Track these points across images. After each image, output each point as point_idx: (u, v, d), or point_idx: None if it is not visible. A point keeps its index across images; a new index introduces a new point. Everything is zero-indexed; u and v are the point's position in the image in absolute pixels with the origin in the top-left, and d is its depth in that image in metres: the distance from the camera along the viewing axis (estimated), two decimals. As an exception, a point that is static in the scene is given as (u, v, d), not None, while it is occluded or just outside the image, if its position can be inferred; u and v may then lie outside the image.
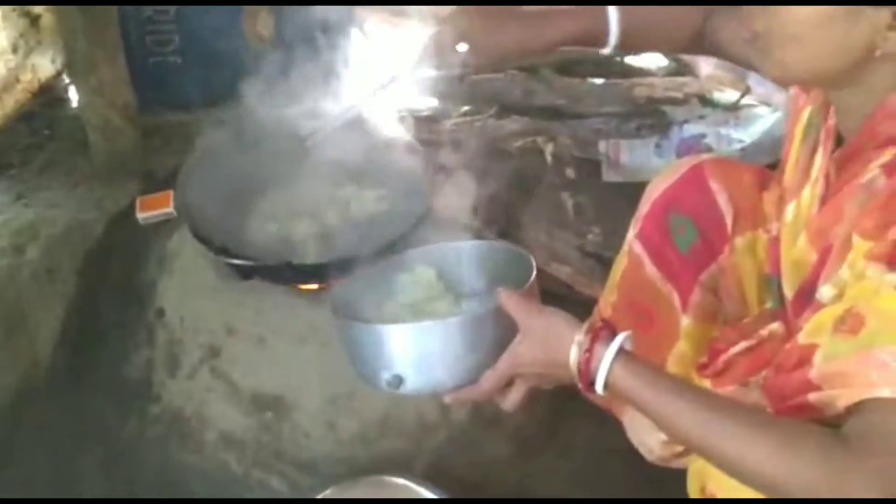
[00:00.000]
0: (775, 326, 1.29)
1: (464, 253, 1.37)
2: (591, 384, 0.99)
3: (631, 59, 2.25)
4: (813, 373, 0.90)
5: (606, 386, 0.98)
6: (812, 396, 0.91)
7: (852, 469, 0.83)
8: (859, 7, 0.91)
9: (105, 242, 1.91)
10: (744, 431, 0.89)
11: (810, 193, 1.11)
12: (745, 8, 1.02)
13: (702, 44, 1.34)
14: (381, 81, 1.49)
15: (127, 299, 1.81)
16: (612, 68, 2.24)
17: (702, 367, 1.38)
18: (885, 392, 0.83)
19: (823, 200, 1.08)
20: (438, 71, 1.34)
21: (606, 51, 1.32)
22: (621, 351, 0.98)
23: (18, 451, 1.64)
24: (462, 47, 1.30)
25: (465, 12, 1.30)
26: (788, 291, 1.18)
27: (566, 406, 1.66)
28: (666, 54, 2.20)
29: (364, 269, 1.35)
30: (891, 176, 0.92)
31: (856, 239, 0.91)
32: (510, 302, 1.07)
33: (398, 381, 1.11)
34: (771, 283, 1.31)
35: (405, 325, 1.16)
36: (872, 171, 0.94)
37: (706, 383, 1.34)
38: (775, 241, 1.25)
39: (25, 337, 1.74)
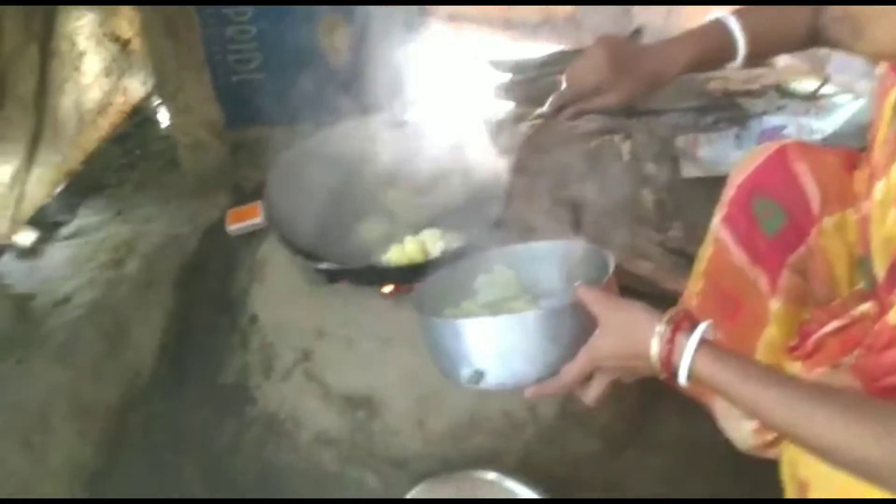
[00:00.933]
0: (867, 307, 1.26)
1: (541, 253, 1.38)
2: (674, 375, 0.99)
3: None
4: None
5: (689, 376, 0.97)
6: (893, 378, 0.90)
7: None
8: None
9: (199, 254, 1.98)
10: (836, 414, 0.87)
11: None
12: None
13: (818, 39, 1.31)
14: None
15: (221, 308, 1.88)
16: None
17: (792, 350, 1.36)
18: None
19: None
20: (574, 114, 1.35)
21: (736, 63, 1.31)
22: (703, 340, 0.98)
23: (121, 460, 1.70)
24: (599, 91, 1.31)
25: (593, 59, 1.30)
26: (880, 270, 1.15)
27: (653, 402, 1.65)
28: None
29: (444, 270, 1.37)
30: None
31: None
32: (588, 295, 1.08)
33: (478, 376, 1.12)
34: (862, 263, 1.28)
35: (484, 318, 1.17)
36: None
37: (796, 366, 1.32)
38: (865, 221, 1.23)
39: (127, 348, 1.80)
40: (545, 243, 1.40)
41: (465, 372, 1.13)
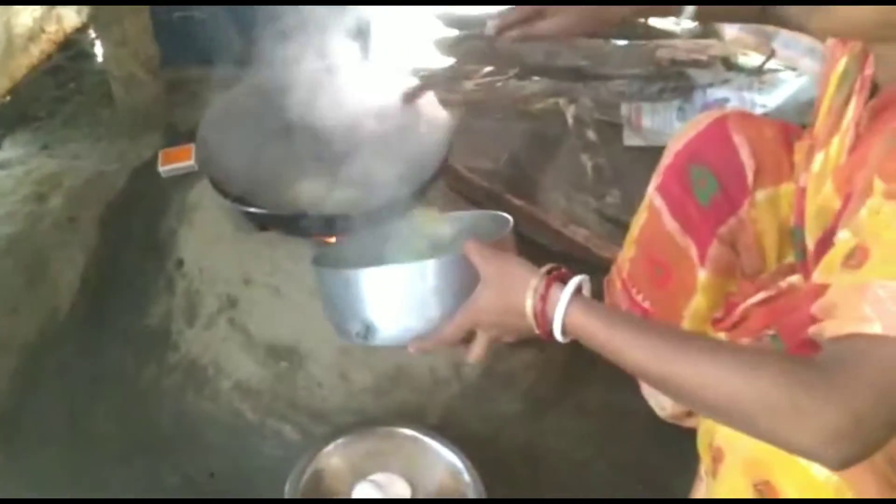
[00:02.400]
0: (795, 279, 1.28)
1: (454, 222, 1.38)
2: (549, 331, 0.98)
3: (655, 21, 2.23)
4: (815, 306, 0.86)
5: (564, 331, 0.97)
6: (810, 330, 0.87)
7: (817, 386, 0.78)
8: None
9: (127, 194, 1.93)
10: (701, 356, 0.85)
11: (839, 142, 1.09)
12: None
13: (768, 14, 1.31)
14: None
15: (147, 250, 1.83)
16: (636, 30, 2.22)
17: (717, 321, 1.38)
18: (875, 327, 0.77)
19: (853, 149, 1.05)
20: (517, 37, 1.32)
21: (683, 17, 1.29)
22: (577, 295, 0.97)
23: (36, 397, 1.64)
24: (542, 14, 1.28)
25: None
26: (811, 241, 1.16)
27: (580, 369, 1.66)
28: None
29: (354, 239, 1.39)
30: None
31: (877, 182, 0.87)
32: (472, 250, 1.06)
33: (366, 330, 1.12)
34: (795, 235, 1.28)
35: (372, 269, 1.15)
36: None
37: (721, 336, 1.33)
38: (802, 192, 1.22)
39: (46, 284, 1.75)
40: (458, 213, 1.42)
41: (355, 327, 1.14)
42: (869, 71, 1.06)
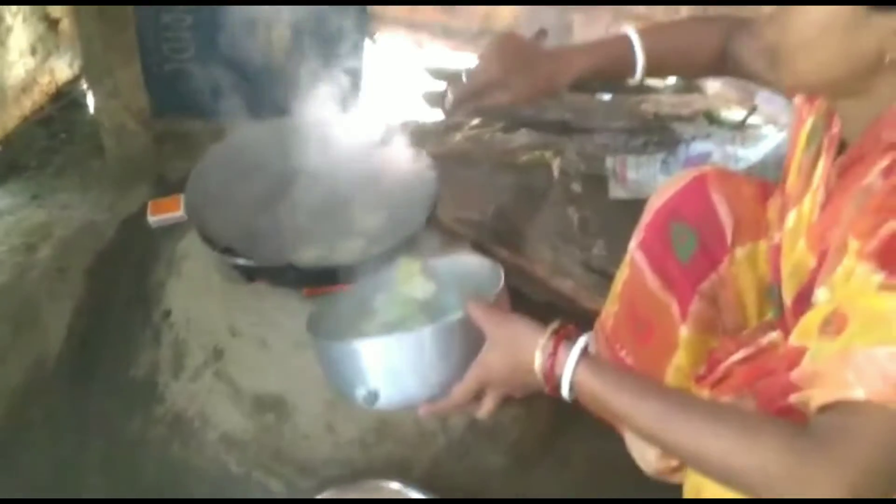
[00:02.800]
0: (774, 336, 1.29)
1: (441, 269, 1.39)
2: (558, 388, 1.01)
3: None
4: (794, 374, 0.89)
5: (572, 388, 0.99)
6: (792, 398, 0.90)
7: (814, 459, 0.81)
8: (867, 13, 0.91)
9: (116, 244, 1.94)
10: (704, 424, 0.89)
11: (811, 200, 1.12)
12: (757, 20, 1.05)
13: (725, 66, 1.35)
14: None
15: (135, 300, 1.83)
16: (621, 85, 2.26)
17: (700, 378, 1.38)
18: (858, 393, 0.81)
19: (824, 206, 1.08)
20: (472, 110, 1.36)
21: (634, 79, 1.33)
22: (584, 353, 1.00)
23: (22, 447, 1.64)
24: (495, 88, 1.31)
25: (495, 54, 1.31)
26: (787, 298, 1.18)
27: (565, 422, 1.66)
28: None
29: (342, 293, 1.40)
30: (887, 178, 0.92)
31: (851, 241, 0.91)
32: (476, 311, 1.09)
33: (373, 396, 1.13)
34: (772, 292, 1.31)
35: (374, 338, 1.18)
36: (872, 175, 0.94)
37: (704, 393, 1.34)
38: (777, 249, 1.25)
39: (34, 334, 1.75)
40: (445, 259, 1.42)
41: (360, 393, 1.14)
42: (836, 129, 1.10)
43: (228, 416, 1.63)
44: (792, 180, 1.20)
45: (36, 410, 1.70)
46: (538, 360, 1.01)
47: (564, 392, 1.00)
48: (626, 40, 1.32)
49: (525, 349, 1.03)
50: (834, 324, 0.86)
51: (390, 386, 1.13)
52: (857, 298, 0.86)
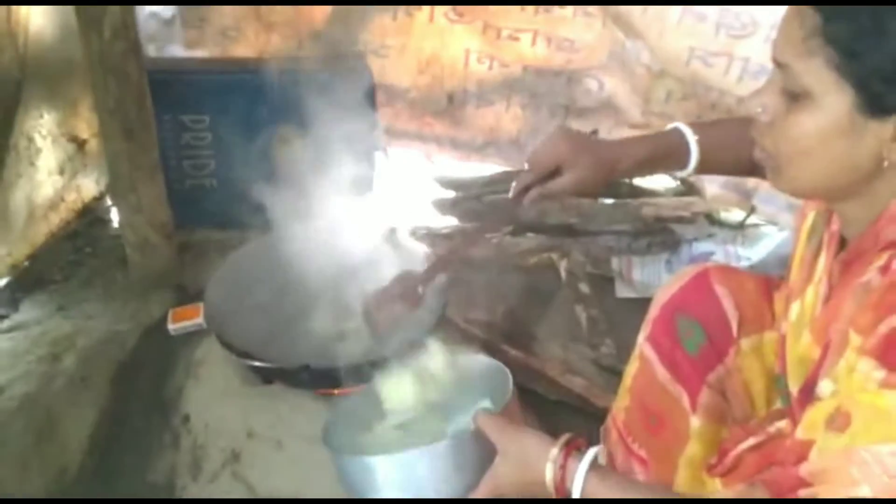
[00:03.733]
0: (783, 424, 1.30)
1: (449, 369, 1.42)
2: (567, 495, 1.05)
3: (639, 181, 2.35)
4: (804, 469, 0.92)
5: (583, 499, 1.03)
6: (801, 493, 0.93)
7: None
8: (864, 121, 0.94)
9: (137, 352, 1.98)
10: None
11: (814, 293, 1.15)
12: (755, 128, 1.07)
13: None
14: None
15: (155, 406, 1.86)
16: (621, 189, 2.34)
17: (711, 468, 1.40)
18: (864, 490, 0.85)
19: (827, 300, 1.11)
20: (536, 197, 1.40)
21: (686, 172, 1.38)
22: (594, 464, 1.04)
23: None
24: (556, 173, 1.36)
25: (554, 140, 1.36)
26: (794, 388, 1.20)
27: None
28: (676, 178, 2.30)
29: (355, 395, 1.44)
30: (884, 275, 0.95)
31: (852, 335, 0.94)
32: (487, 424, 1.14)
33: None
34: (779, 382, 1.33)
35: (390, 456, 1.19)
36: (870, 272, 0.97)
37: (716, 483, 1.35)
38: (783, 340, 1.28)
39: (56, 443, 1.78)
40: (455, 359, 1.45)
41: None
42: (835, 226, 1.13)
43: (245, 519, 1.64)
44: (795, 274, 1.24)
45: (57, 519, 1.71)
46: (549, 474, 1.05)
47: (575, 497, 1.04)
48: (678, 133, 1.37)
49: (536, 462, 1.07)
50: (838, 420, 0.90)
51: (405, 496, 1.17)
52: (859, 395, 0.89)
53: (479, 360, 1.46)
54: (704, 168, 1.39)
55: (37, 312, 2.09)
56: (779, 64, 1.00)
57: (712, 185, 2.27)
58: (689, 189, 2.29)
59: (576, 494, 1.03)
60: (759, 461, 1.28)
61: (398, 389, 1.42)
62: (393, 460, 1.18)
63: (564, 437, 1.07)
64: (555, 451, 1.05)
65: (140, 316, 2.05)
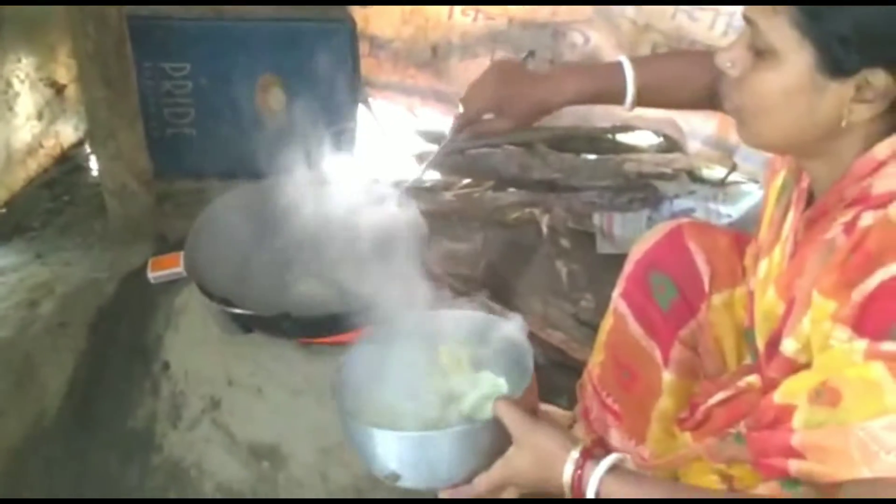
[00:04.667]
0: (752, 379, 1.32)
1: (459, 322, 1.39)
2: (583, 495, 1.05)
3: (622, 136, 2.35)
4: (796, 439, 0.94)
5: (598, 499, 1.04)
6: (793, 465, 0.95)
7: None
8: (825, 81, 0.96)
9: (117, 300, 1.98)
10: None
11: (780, 251, 1.17)
12: (725, 83, 1.08)
13: (711, 102, 1.33)
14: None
15: (135, 354, 1.87)
16: (604, 145, 2.34)
17: (682, 421, 1.42)
18: (864, 472, 0.87)
19: (792, 257, 1.13)
20: (473, 140, 1.40)
21: (625, 107, 1.38)
22: (616, 467, 1.04)
23: (22, 496, 1.67)
24: (490, 115, 1.37)
25: (487, 81, 1.37)
26: (760, 343, 1.22)
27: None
28: (656, 131, 2.30)
29: (361, 346, 1.36)
30: (849, 234, 0.96)
31: (815, 296, 0.96)
32: (507, 414, 1.13)
33: (394, 477, 1.17)
34: (748, 337, 1.35)
35: (405, 434, 1.18)
36: (834, 230, 0.99)
37: (686, 436, 1.38)
38: (751, 296, 1.30)
39: (35, 386, 1.79)
40: (463, 312, 1.40)
41: (383, 470, 1.17)
42: (804, 183, 1.14)
43: (224, 466, 1.66)
44: (764, 231, 1.25)
45: (36, 462, 1.72)
46: (568, 472, 1.05)
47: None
48: (618, 67, 1.37)
49: (555, 459, 1.07)
50: (826, 396, 0.92)
51: (413, 473, 1.16)
52: (846, 370, 0.90)
53: (502, 330, 1.36)
54: (646, 102, 1.39)
55: (14, 259, 2.10)
56: (748, 20, 1.01)
57: (694, 142, 2.28)
58: (671, 145, 2.29)
59: (590, 495, 1.03)
60: (728, 415, 1.30)
61: (402, 343, 1.37)
62: (406, 439, 1.16)
63: (586, 439, 1.12)
64: (576, 451, 1.06)
65: (119, 264, 2.05)
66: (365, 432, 1.17)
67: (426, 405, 1.29)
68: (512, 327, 1.32)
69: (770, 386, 1.07)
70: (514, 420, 1.12)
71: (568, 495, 1.06)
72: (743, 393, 1.32)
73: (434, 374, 1.35)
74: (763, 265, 1.22)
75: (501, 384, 1.30)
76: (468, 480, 1.15)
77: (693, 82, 1.37)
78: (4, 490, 1.67)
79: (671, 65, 1.42)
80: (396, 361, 1.35)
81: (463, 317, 1.39)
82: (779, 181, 1.23)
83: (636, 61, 1.37)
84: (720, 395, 1.35)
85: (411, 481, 1.16)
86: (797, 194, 1.17)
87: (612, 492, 1.03)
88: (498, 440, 1.12)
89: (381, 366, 1.35)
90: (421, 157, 2.33)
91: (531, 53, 1.44)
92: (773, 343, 1.12)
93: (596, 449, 1.07)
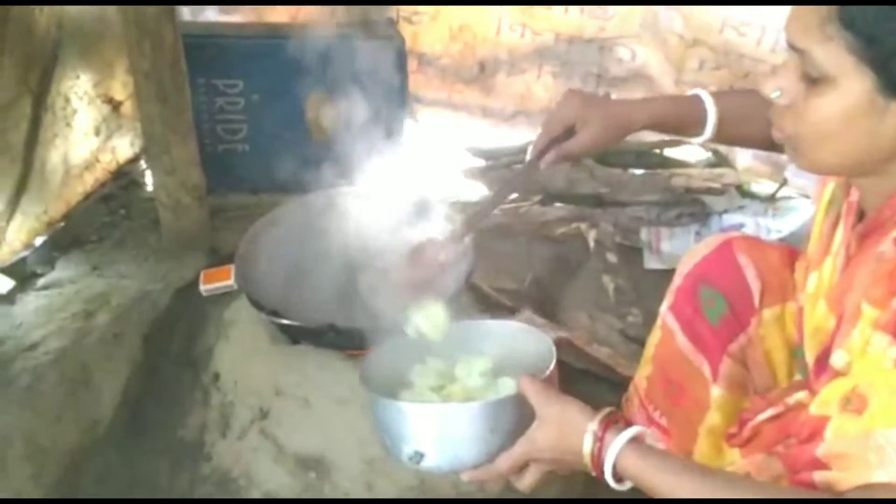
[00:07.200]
0: (802, 395, 1.30)
1: (489, 331, 1.40)
2: (602, 472, 1.03)
3: (670, 151, 2.34)
4: (821, 450, 0.93)
5: (616, 472, 1.02)
6: (817, 476, 0.94)
7: None
8: (885, 102, 0.94)
9: (169, 312, 2.02)
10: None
11: (831, 264, 1.15)
12: (774, 112, 1.07)
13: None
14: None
15: (186, 364, 1.91)
16: (652, 159, 2.33)
17: (731, 437, 1.41)
18: (880, 476, 0.86)
19: (843, 271, 1.12)
20: (553, 158, 1.40)
21: (701, 139, 1.38)
22: (636, 440, 1.02)
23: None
24: (571, 133, 1.37)
25: (569, 103, 1.37)
26: (810, 358, 1.21)
27: (603, 486, 1.67)
28: (706, 147, 2.29)
29: (389, 344, 1.38)
30: None
31: (865, 307, 0.94)
32: (530, 388, 1.12)
33: (419, 456, 1.15)
34: (798, 353, 1.33)
35: (429, 405, 1.19)
36: (886, 243, 0.98)
37: (735, 453, 1.36)
38: (801, 311, 1.28)
39: (90, 395, 1.82)
40: (494, 322, 1.42)
41: (406, 451, 1.16)
42: (853, 198, 1.13)
43: (272, 475, 1.67)
44: (814, 244, 1.24)
45: (89, 469, 1.75)
46: (587, 444, 1.04)
47: (608, 475, 1.02)
48: (697, 99, 1.36)
49: (575, 431, 1.06)
50: (854, 403, 0.91)
51: (437, 450, 1.15)
52: (875, 375, 0.89)
53: (525, 331, 1.38)
54: (722, 137, 1.39)
55: (71, 271, 2.14)
56: (795, 49, 0.99)
57: (744, 157, 2.26)
58: (720, 160, 2.27)
59: (608, 467, 1.02)
60: (776, 432, 1.29)
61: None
62: (429, 410, 1.17)
63: (606, 410, 1.06)
64: (595, 423, 1.04)
65: (172, 277, 2.09)
66: (391, 406, 1.18)
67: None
68: (538, 336, 1.33)
69: None
70: (537, 393, 1.11)
71: (588, 468, 1.05)
72: (792, 410, 1.31)
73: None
74: (812, 279, 1.21)
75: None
76: (491, 460, 1.13)
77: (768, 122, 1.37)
78: (60, 495, 1.70)
79: (745, 101, 1.39)
80: (418, 363, 1.37)
81: (495, 326, 1.41)
82: (827, 195, 1.22)
83: (716, 95, 1.37)
84: (770, 412, 1.33)
85: (433, 461, 1.15)
86: (846, 208, 1.15)
87: (629, 465, 1.01)
88: (521, 417, 1.11)
89: (410, 353, 1.36)
90: (470, 173, 2.34)
91: (608, 95, 1.44)
92: (823, 358, 1.10)
93: (615, 422, 1.04)
